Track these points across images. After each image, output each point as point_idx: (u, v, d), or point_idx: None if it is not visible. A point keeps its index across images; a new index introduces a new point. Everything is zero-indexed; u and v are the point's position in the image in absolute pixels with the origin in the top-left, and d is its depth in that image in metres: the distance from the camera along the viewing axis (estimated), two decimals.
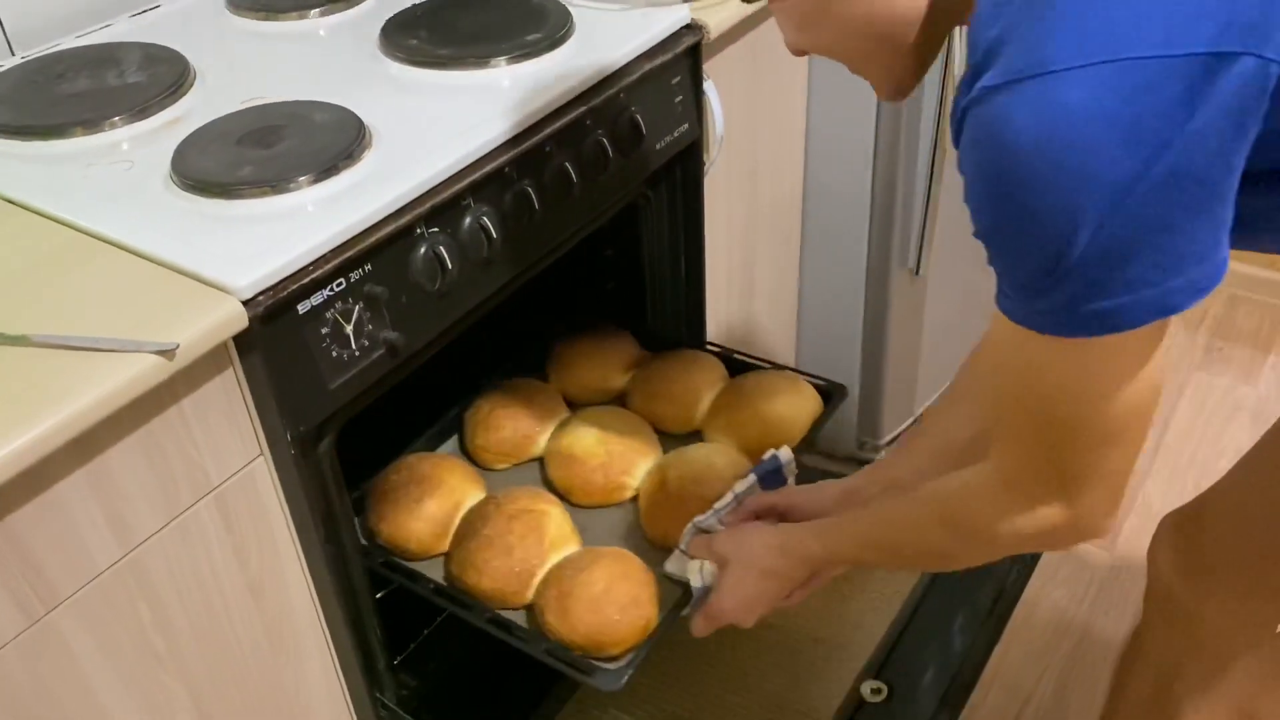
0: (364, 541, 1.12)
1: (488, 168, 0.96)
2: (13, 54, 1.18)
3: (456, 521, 1.13)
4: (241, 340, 0.80)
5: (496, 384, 1.29)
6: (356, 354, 0.89)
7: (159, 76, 1.06)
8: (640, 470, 1.17)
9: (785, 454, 1.11)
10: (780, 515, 1.06)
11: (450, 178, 0.93)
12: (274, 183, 0.89)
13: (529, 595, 1.06)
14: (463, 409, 1.28)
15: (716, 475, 1.11)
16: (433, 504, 1.12)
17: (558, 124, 1.02)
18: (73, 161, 0.96)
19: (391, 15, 1.18)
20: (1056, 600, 1.67)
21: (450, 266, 0.94)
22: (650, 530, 1.12)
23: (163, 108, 1.02)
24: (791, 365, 1.78)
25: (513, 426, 1.23)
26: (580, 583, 1.02)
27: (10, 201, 0.92)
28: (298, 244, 0.83)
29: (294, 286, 0.82)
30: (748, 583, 1.00)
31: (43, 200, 0.90)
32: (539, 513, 1.09)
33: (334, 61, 1.13)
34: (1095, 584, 1.70)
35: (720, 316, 1.46)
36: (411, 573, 1.10)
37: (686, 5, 1.18)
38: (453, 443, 1.29)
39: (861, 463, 1.76)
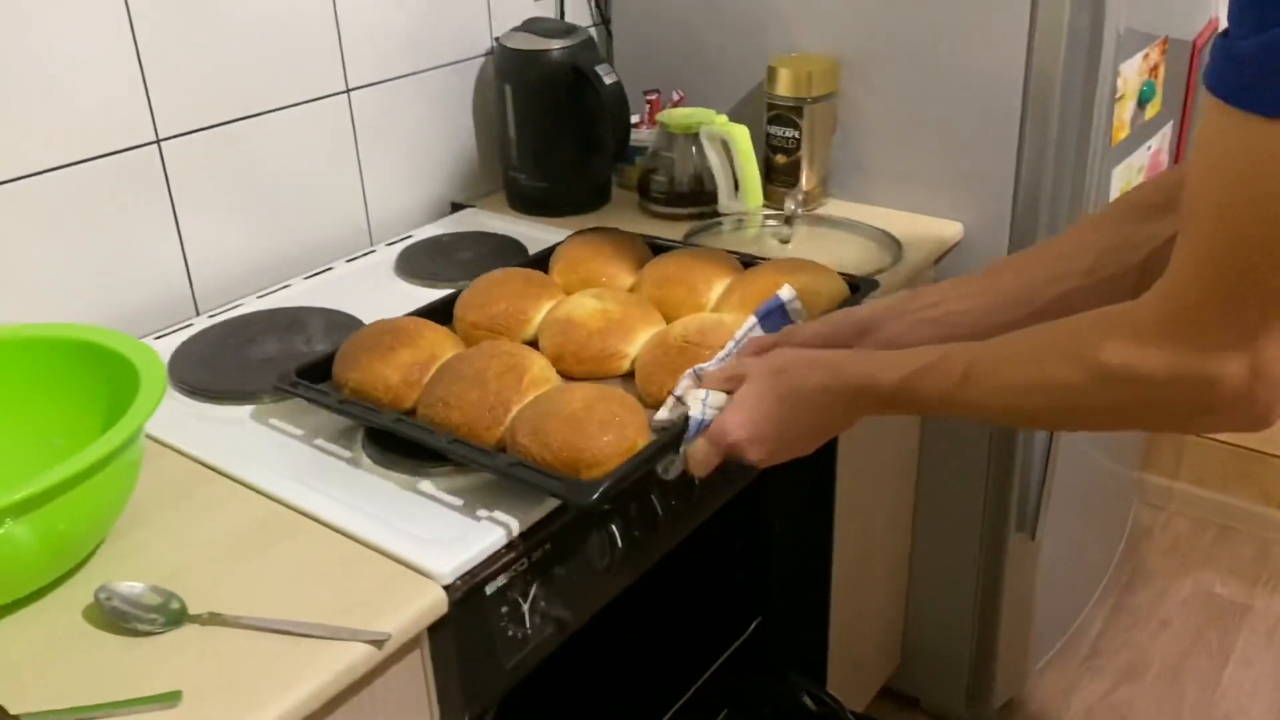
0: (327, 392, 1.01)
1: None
2: (198, 313, 1.27)
3: (431, 372, 1.01)
4: (435, 623, 0.82)
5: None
6: (529, 631, 0.90)
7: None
8: (640, 340, 1.06)
9: (788, 292, 0.99)
10: None
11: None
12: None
13: (500, 430, 0.93)
14: (456, 293, 1.17)
15: (726, 331, 1.00)
16: (407, 353, 1.01)
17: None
18: (266, 428, 1.02)
19: None
20: None
21: (620, 544, 0.96)
22: (647, 388, 1.00)
23: None
24: (900, 627, 1.74)
25: (508, 302, 1.12)
26: (558, 401, 0.91)
27: (209, 467, 0.97)
28: (494, 525, 0.86)
29: (488, 570, 0.84)
30: (766, 401, 0.82)
31: (241, 468, 0.95)
32: (521, 355, 0.99)
33: None
34: None
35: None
36: (371, 409, 0.98)
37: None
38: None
39: None
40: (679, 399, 0.90)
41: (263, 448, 0.99)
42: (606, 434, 0.88)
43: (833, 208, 1.49)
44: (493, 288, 1.15)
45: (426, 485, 0.92)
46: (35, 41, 1.07)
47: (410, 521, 0.87)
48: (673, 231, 1.41)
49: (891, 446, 1.53)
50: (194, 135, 1.22)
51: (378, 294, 1.28)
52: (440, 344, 1.05)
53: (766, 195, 1.46)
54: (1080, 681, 1.88)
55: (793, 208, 1.33)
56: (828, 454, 1.32)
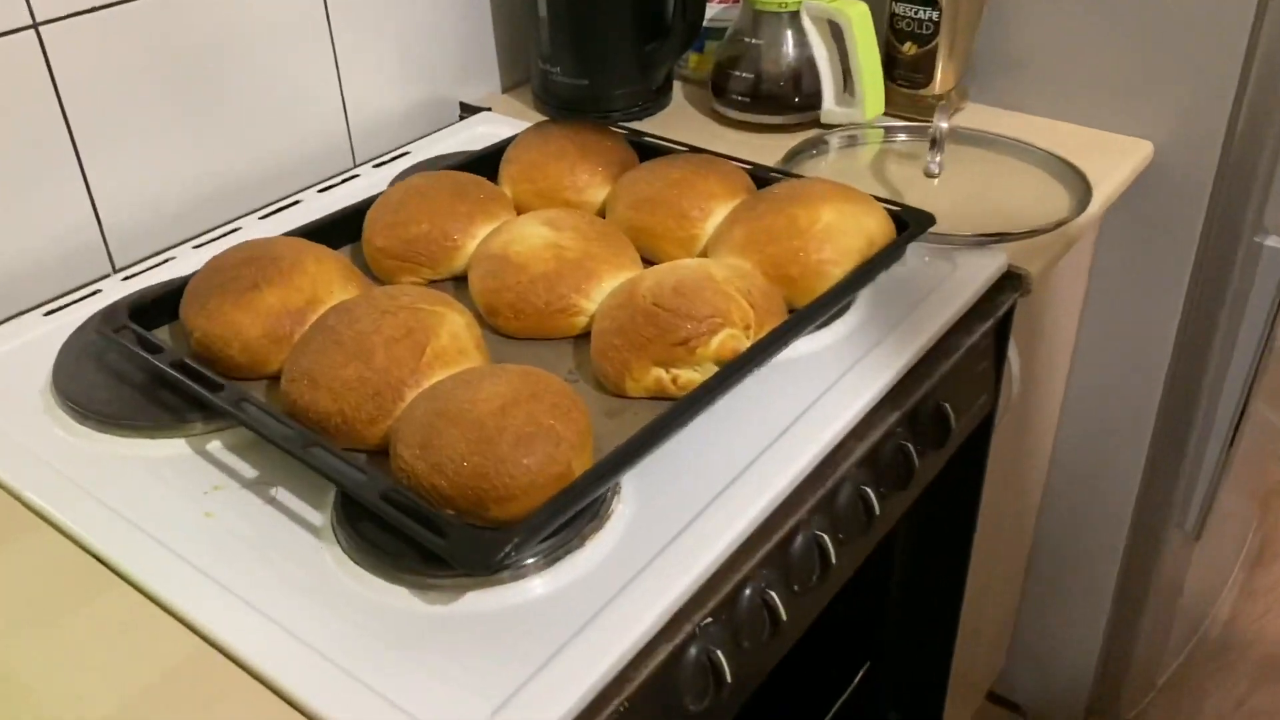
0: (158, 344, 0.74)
1: (783, 530, 0.66)
2: (113, 268, 0.92)
3: (308, 325, 0.73)
4: None
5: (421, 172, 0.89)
6: None
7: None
8: (604, 289, 0.76)
9: None
10: None
11: (733, 555, 0.63)
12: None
13: (385, 427, 0.65)
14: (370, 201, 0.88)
15: (715, 290, 0.70)
16: (275, 294, 0.72)
17: (864, 444, 0.72)
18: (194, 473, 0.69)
19: None
20: None
21: (727, 677, 0.63)
22: (603, 366, 0.71)
23: None
24: (1010, 630, 1.46)
25: (431, 223, 0.82)
26: (463, 395, 0.62)
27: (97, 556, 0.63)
28: (566, 686, 0.54)
29: None
30: None
31: (142, 556, 0.62)
32: (427, 312, 0.69)
33: None
34: None
35: None
36: (212, 378, 0.68)
37: (1002, 247, 0.88)
38: (345, 251, 0.89)
39: None
40: None
41: (181, 508, 0.66)
42: (527, 453, 0.60)
43: (974, 118, 1.11)
44: (411, 200, 0.84)
45: (457, 606, 0.59)
46: None
47: (450, 661, 0.55)
48: (757, 147, 1.06)
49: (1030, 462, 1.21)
50: (85, 17, 0.85)
51: None
52: (324, 282, 0.76)
53: (887, 100, 1.08)
54: (1211, 684, 1.58)
55: (942, 125, 0.95)
56: (973, 489, 0.99)
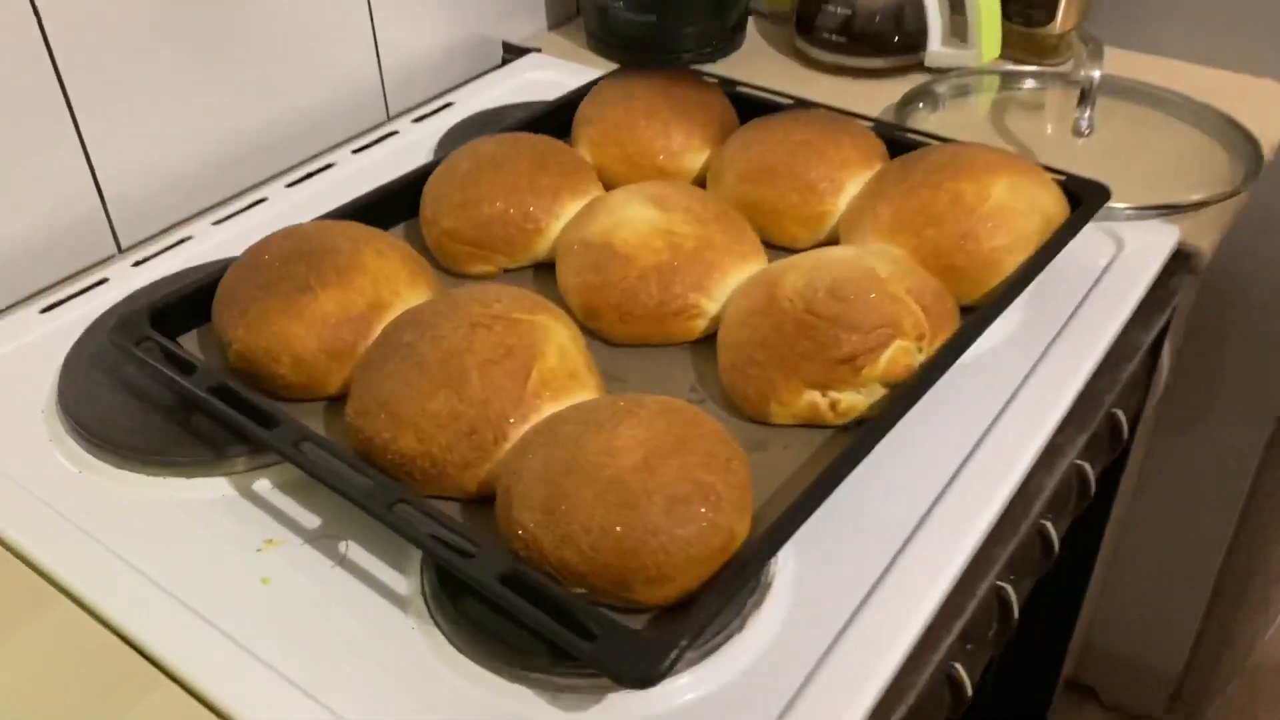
0: (193, 360, 0.60)
1: (978, 595, 0.54)
2: (119, 248, 0.77)
3: (374, 335, 0.59)
4: None
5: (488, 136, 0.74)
6: None
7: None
8: (727, 284, 0.63)
9: None
10: None
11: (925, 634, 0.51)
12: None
13: (484, 472, 0.52)
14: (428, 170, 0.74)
15: (882, 291, 0.57)
16: (332, 298, 0.59)
17: (1054, 477, 0.60)
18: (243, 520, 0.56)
19: None
20: None
21: None
22: (738, 385, 0.58)
23: None
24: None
25: (508, 201, 0.68)
26: (592, 449, 0.48)
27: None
28: None
29: None
30: None
31: (173, 643, 0.49)
32: (529, 325, 0.56)
33: None
34: None
35: None
36: (259, 404, 0.55)
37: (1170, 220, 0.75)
38: (400, 231, 0.74)
39: None
40: None
41: (231, 573, 0.53)
42: (683, 521, 0.46)
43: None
44: (484, 171, 0.70)
45: (575, 703, 0.46)
46: None
47: None
48: (851, 94, 0.91)
49: None
50: None
51: None
52: (388, 280, 0.62)
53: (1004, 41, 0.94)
54: None
55: (1094, 74, 0.81)
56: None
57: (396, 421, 0.53)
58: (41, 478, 0.58)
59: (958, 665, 0.54)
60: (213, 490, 0.57)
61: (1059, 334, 0.65)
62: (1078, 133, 0.81)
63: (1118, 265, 0.71)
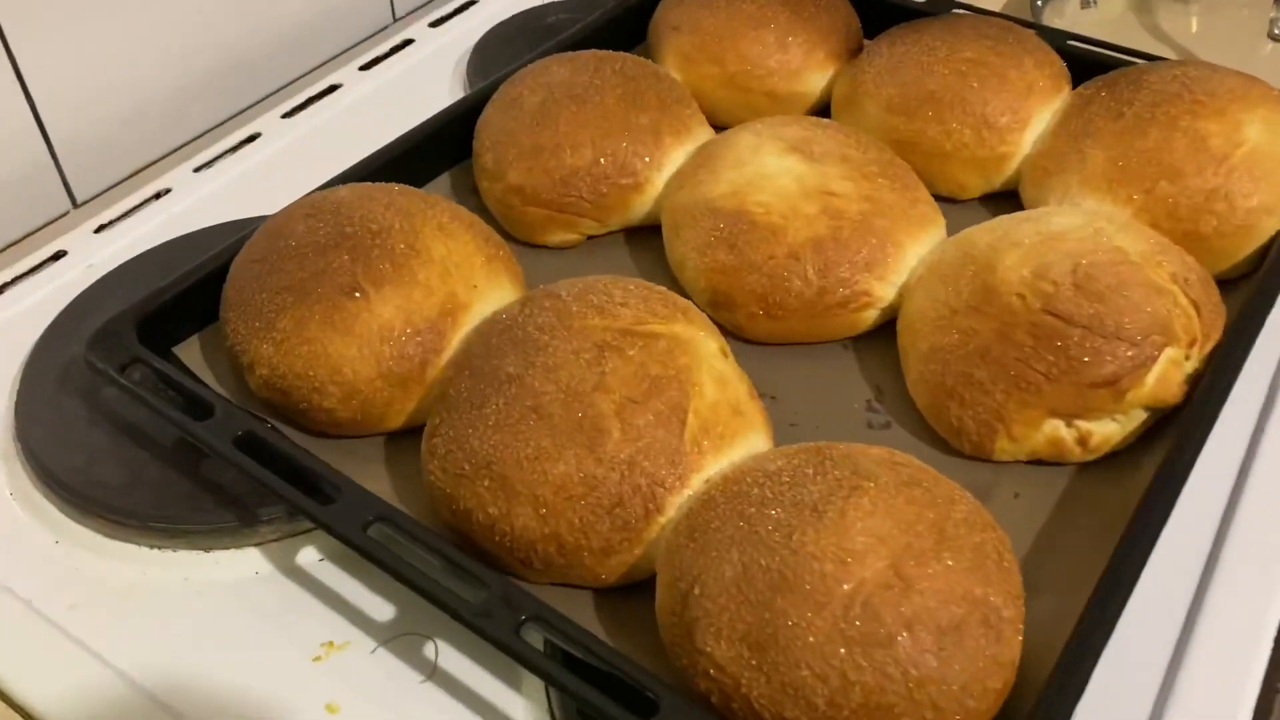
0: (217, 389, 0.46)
1: None
2: (74, 203, 0.60)
3: (450, 350, 0.44)
4: None
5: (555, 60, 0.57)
6: None
7: None
8: (906, 262, 0.48)
9: None
10: None
11: None
12: None
13: (632, 558, 0.38)
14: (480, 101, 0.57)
15: (1142, 280, 0.42)
16: (390, 302, 0.43)
17: None
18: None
19: None
20: None
21: None
22: (946, 415, 0.43)
23: None
24: None
25: (597, 147, 0.52)
26: (815, 551, 0.33)
27: None
28: None
29: None
30: None
31: None
32: (670, 342, 0.40)
33: None
34: None
35: None
36: (304, 471, 0.40)
37: None
38: (441, 186, 0.58)
39: None
40: None
41: (285, 699, 0.39)
42: (956, 659, 0.32)
43: None
44: (561, 108, 0.53)
45: None
46: None
47: None
48: None
49: None
50: None
51: None
52: (463, 270, 0.45)
53: None
54: None
55: None
56: None
57: (508, 492, 0.38)
58: (5, 550, 0.43)
59: None
60: (241, 567, 0.43)
61: None
62: (1275, 36, 0.65)
63: None
